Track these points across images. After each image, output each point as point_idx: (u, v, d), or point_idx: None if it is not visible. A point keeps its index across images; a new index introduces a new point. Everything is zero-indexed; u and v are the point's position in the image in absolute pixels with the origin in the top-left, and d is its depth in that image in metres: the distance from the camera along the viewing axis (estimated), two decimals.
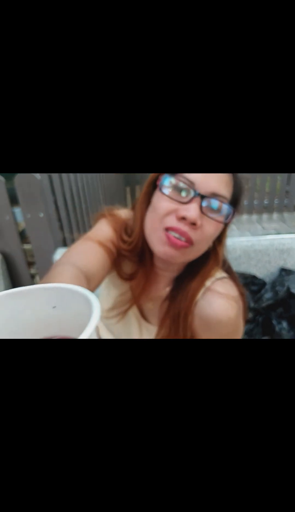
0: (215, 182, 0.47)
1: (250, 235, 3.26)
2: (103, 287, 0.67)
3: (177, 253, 0.48)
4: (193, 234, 0.47)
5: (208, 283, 0.55)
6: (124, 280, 0.59)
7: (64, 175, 1.56)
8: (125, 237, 0.56)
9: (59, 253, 1.15)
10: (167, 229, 0.47)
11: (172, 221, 0.47)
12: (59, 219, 1.51)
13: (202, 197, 0.46)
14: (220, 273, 0.57)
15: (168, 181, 0.47)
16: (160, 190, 0.48)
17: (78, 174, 1.82)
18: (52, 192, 1.42)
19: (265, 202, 3.75)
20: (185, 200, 0.46)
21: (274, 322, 1.02)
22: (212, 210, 0.47)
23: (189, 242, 0.47)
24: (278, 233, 3.22)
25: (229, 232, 0.55)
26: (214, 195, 0.47)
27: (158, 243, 0.48)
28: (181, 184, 0.46)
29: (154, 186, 0.51)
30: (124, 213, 0.61)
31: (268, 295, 1.03)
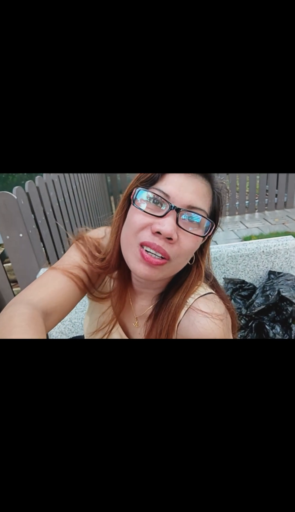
0: (191, 195, 0.44)
1: (235, 235, 3.29)
2: (87, 311, 0.65)
3: (153, 270, 0.45)
4: (169, 249, 0.44)
5: (190, 300, 0.51)
6: (100, 300, 0.57)
7: (43, 191, 1.53)
8: (97, 254, 0.54)
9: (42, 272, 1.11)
10: (142, 245, 0.45)
11: (146, 236, 0.44)
12: (41, 238, 1.46)
13: (178, 210, 0.44)
14: (204, 289, 0.53)
15: (141, 195, 0.45)
16: (134, 204, 0.45)
17: (59, 189, 1.79)
18: (32, 211, 1.38)
19: (247, 202, 3.81)
20: (160, 213, 0.44)
21: (267, 327, 1.01)
22: (189, 223, 0.45)
23: (166, 257, 0.45)
24: (262, 232, 3.27)
25: (214, 234, 0.53)
26: (191, 208, 0.45)
27: (133, 260, 0.46)
28: (156, 198, 0.44)
29: (129, 201, 0.49)
30: (96, 232, 0.59)
31: (259, 300, 1.03)
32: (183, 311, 0.51)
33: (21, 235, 1.28)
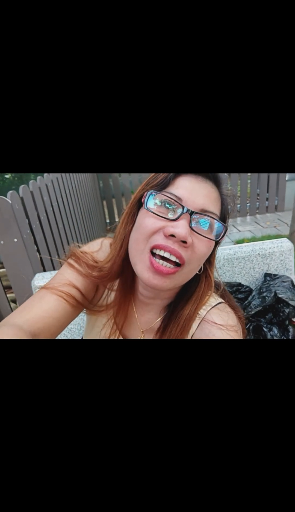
0: (203, 198, 0.44)
1: (227, 239, 3.32)
2: (85, 331, 0.63)
3: (163, 280, 0.44)
4: (184, 253, 0.43)
5: (203, 312, 0.50)
6: (99, 313, 0.55)
7: (37, 196, 1.52)
8: (94, 264, 0.51)
9: (38, 278, 1.10)
10: (154, 248, 0.43)
11: (159, 239, 0.43)
12: (36, 243, 1.45)
13: (191, 213, 0.43)
14: (215, 299, 0.52)
15: (153, 199, 0.44)
16: (145, 207, 0.44)
17: (52, 194, 1.78)
18: (26, 216, 1.37)
19: (238, 206, 3.85)
20: (173, 217, 0.43)
21: (264, 329, 1.02)
22: (202, 227, 0.44)
23: (181, 261, 0.43)
24: (254, 235, 3.31)
25: None
26: (204, 212, 0.44)
27: (142, 267, 0.44)
28: (168, 201, 0.43)
29: (138, 205, 0.48)
30: (91, 246, 0.56)
31: (256, 301, 1.03)
32: (196, 324, 0.50)
33: (15, 240, 1.26)
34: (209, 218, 0.44)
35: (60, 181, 2.02)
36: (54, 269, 1.68)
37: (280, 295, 1.00)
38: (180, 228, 0.42)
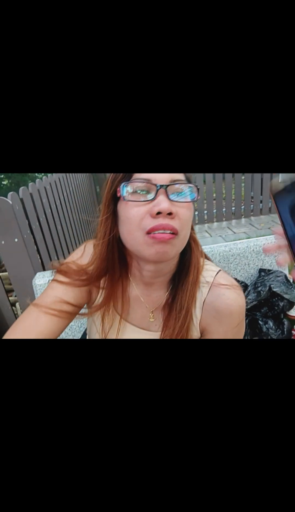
0: (166, 173, 0.47)
1: (223, 240, 3.37)
2: (88, 335, 0.65)
3: (167, 247, 0.47)
4: (174, 224, 0.47)
5: (210, 278, 0.56)
6: (94, 312, 0.58)
7: (36, 197, 1.54)
8: (80, 269, 0.55)
9: (39, 277, 1.12)
10: (149, 231, 0.46)
11: (149, 223, 0.46)
12: (36, 243, 1.47)
13: (165, 186, 0.46)
14: (210, 265, 0.58)
15: (127, 189, 0.47)
16: (124, 199, 0.47)
17: (51, 195, 1.81)
18: (26, 216, 1.40)
19: (233, 208, 3.91)
20: (152, 197, 0.46)
21: (260, 322, 1.05)
22: (178, 195, 0.48)
23: (175, 231, 0.47)
24: (249, 236, 3.36)
25: (203, 240, 0.55)
26: (174, 181, 0.47)
27: (146, 248, 0.47)
28: (140, 185, 0.47)
29: (114, 201, 0.51)
30: (73, 255, 0.59)
31: (251, 296, 1.07)
32: (206, 289, 0.55)
33: (16, 239, 1.29)
34: (180, 184, 0.48)
35: (58, 184, 2.05)
36: None
37: (274, 289, 1.04)
38: (162, 203, 0.45)
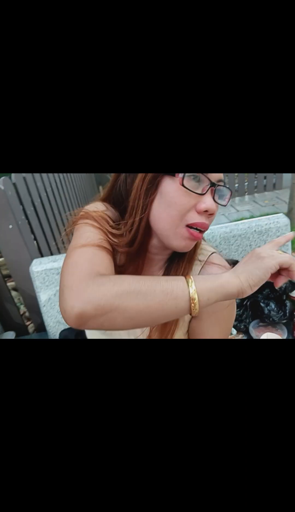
0: None
1: (226, 219, 3.30)
2: None
3: (193, 243, 0.50)
4: (208, 223, 0.49)
5: (203, 257, 0.57)
6: (118, 271, 0.56)
7: (30, 183, 1.50)
8: (115, 231, 0.52)
9: (36, 264, 1.10)
10: (191, 225, 0.47)
11: (194, 217, 0.47)
12: (32, 229, 1.44)
13: (214, 185, 0.47)
14: (206, 245, 0.59)
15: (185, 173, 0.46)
16: (183, 184, 0.45)
17: (46, 178, 1.76)
18: (20, 202, 1.36)
19: (236, 185, 3.81)
20: (201, 191, 0.46)
21: (262, 304, 1.03)
22: (220, 196, 0.49)
23: (206, 230, 0.49)
24: (252, 215, 3.29)
25: None
26: (220, 182, 0.48)
27: (178, 238, 0.48)
28: (195, 175, 0.46)
29: (158, 177, 0.48)
30: (96, 207, 0.56)
31: None
32: (198, 267, 0.56)
33: (10, 226, 1.26)
34: (223, 187, 0.49)
35: None
36: (51, 254, 1.68)
37: None
38: (209, 202, 0.46)
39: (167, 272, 0.57)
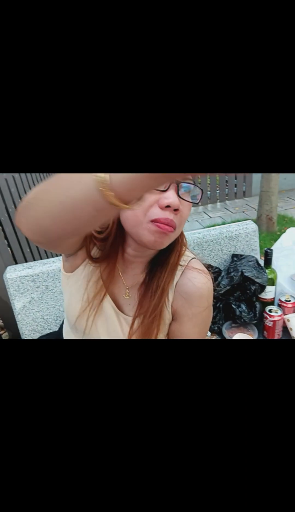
0: None
1: (199, 225, 3.40)
2: (66, 297, 0.65)
3: (164, 237, 0.50)
4: (175, 219, 0.49)
5: (184, 263, 0.59)
6: (92, 262, 0.59)
7: (3, 187, 1.48)
8: (98, 228, 0.55)
9: (10, 271, 1.09)
10: (154, 221, 0.48)
11: (157, 212, 0.48)
12: (6, 236, 1.42)
13: (178, 182, 0.48)
14: (191, 253, 0.62)
15: None
16: None
17: (20, 184, 1.73)
18: None
19: (208, 193, 3.94)
20: (164, 188, 0.48)
21: (233, 306, 1.08)
22: (186, 193, 0.50)
23: (174, 227, 0.49)
24: (224, 221, 3.41)
25: None
26: (185, 179, 0.49)
27: (146, 234, 0.49)
28: None
29: None
30: None
31: (224, 281, 1.09)
32: (179, 272, 0.58)
33: None
34: (189, 184, 0.50)
35: None
36: (25, 261, 1.65)
37: (246, 274, 1.06)
38: (172, 198, 0.47)
39: (150, 277, 0.58)
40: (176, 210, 0.48)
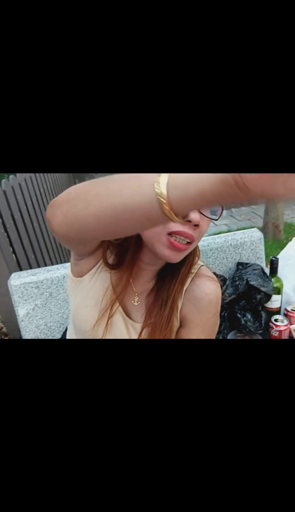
0: None
1: (205, 233, 3.39)
2: (73, 303, 0.64)
3: (179, 254, 0.50)
4: (194, 234, 0.49)
5: (193, 269, 0.59)
6: (108, 268, 0.58)
7: (10, 195, 1.49)
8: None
9: (14, 277, 1.09)
10: (171, 234, 0.48)
11: (176, 226, 0.48)
12: (11, 243, 1.43)
13: None
14: (200, 261, 0.62)
15: None
16: None
17: (26, 192, 1.75)
18: (0, 215, 1.35)
19: None
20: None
21: (239, 315, 1.06)
22: (210, 211, 0.50)
23: (191, 242, 0.49)
24: (229, 229, 3.39)
25: None
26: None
27: (161, 247, 0.49)
28: None
29: None
30: None
31: (229, 290, 1.08)
32: (189, 279, 0.59)
33: None
34: None
35: (34, 179, 1.99)
36: (30, 267, 1.66)
37: (251, 283, 1.05)
38: (194, 213, 0.47)
39: (161, 285, 0.59)
40: (196, 225, 0.48)
